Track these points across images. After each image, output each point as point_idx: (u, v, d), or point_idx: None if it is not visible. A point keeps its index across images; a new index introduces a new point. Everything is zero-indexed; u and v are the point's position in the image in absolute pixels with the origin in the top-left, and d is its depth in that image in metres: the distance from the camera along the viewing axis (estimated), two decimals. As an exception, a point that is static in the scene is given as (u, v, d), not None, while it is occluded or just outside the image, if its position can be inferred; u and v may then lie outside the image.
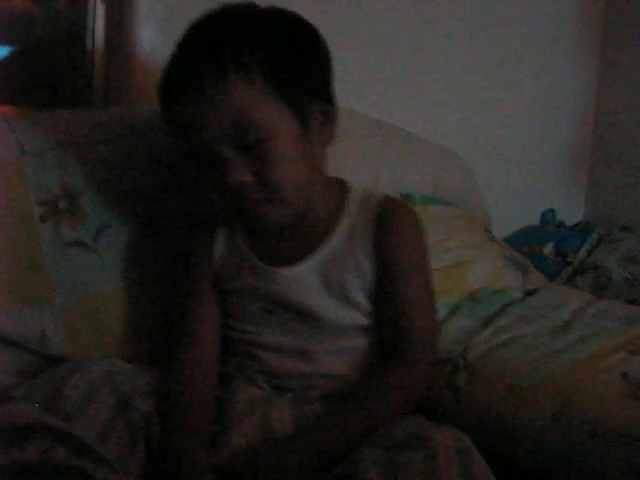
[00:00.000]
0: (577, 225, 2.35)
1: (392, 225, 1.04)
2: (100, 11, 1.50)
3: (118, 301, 1.16)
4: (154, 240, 1.20)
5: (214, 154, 0.96)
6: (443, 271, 1.33)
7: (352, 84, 1.76)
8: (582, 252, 2.06)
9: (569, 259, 2.03)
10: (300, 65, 0.99)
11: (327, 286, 1.04)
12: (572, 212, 2.46)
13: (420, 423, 0.95)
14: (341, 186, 1.10)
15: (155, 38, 1.46)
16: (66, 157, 1.17)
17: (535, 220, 2.33)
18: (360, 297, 1.04)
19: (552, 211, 2.35)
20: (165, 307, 1.17)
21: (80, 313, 1.12)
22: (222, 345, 1.09)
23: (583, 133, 2.51)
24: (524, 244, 2.05)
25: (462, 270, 1.36)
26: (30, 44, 1.50)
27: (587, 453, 0.96)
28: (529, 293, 1.37)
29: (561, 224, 2.32)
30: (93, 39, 1.51)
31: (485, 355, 1.16)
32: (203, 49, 0.96)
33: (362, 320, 1.05)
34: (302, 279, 1.04)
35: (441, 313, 1.26)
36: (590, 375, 1.07)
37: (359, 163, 1.50)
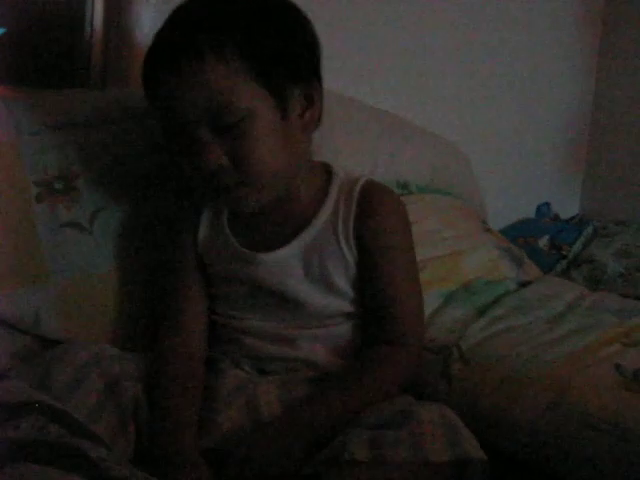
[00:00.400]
0: (572, 218, 2.36)
1: (373, 210, 1.03)
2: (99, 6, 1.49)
3: (113, 283, 1.15)
4: (149, 222, 1.19)
5: (192, 136, 0.96)
6: (438, 260, 1.33)
7: (351, 73, 1.75)
8: (577, 245, 2.06)
9: (564, 252, 2.04)
10: (281, 47, 0.98)
11: (309, 272, 1.04)
12: (568, 205, 2.46)
13: (406, 401, 0.95)
14: (325, 171, 1.09)
15: (154, 20, 1.45)
16: (63, 138, 1.16)
17: (531, 213, 2.33)
18: (343, 283, 1.04)
19: (548, 204, 2.35)
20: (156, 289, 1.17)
21: (74, 295, 1.12)
22: (209, 328, 1.09)
23: (580, 127, 2.51)
24: (520, 236, 2.05)
25: (457, 260, 1.36)
26: (28, 24, 1.49)
27: (580, 444, 0.97)
28: (524, 284, 1.38)
29: (556, 217, 2.32)
30: (92, 20, 1.50)
31: (479, 345, 1.16)
32: (182, 30, 0.96)
33: (345, 307, 1.05)
34: (283, 264, 1.03)
35: (436, 302, 1.27)
36: (584, 367, 1.07)
37: (356, 151, 1.50)
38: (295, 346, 1.04)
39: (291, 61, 0.99)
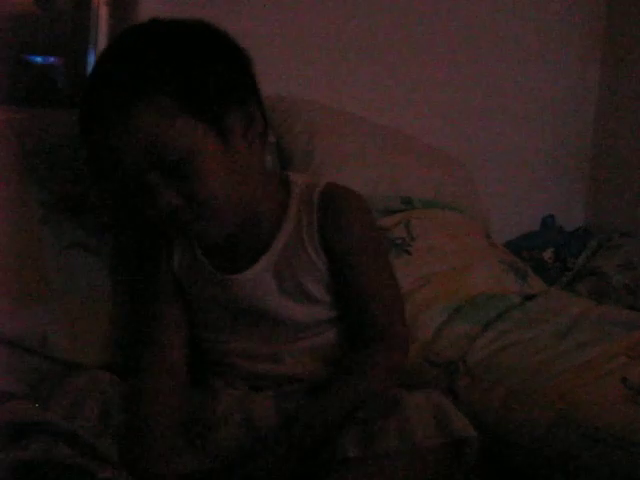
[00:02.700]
0: (577, 231, 2.35)
1: (334, 212, 1.03)
2: (103, 13, 1.51)
3: (119, 303, 1.16)
4: (154, 242, 1.19)
5: (138, 181, 0.93)
6: (443, 275, 1.33)
7: (353, 89, 1.77)
8: (582, 258, 2.06)
9: (569, 264, 2.03)
10: (210, 78, 0.95)
11: (282, 286, 1.03)
12: (572, 218, 2.46)
13: (395, 392, 0.95)
14: (283, 182, 1.07)
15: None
16: (68, 158, 1.17)
17: (535, 225, 2.33)
18: (318, 291, 1.04)
19: (552, 216, 2.35)
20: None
21: (81, 315, 1.12)
22: (191, 350, 1.08)
23: (583, 139, 2.51)
24: (524, 249, 2.05)
25: (462, 275, 1.36)
26: (33, 46, 1.51)
27: (587, 459, 0.97)
28: (528, 298, 1.37)
29: (561, 230, 2.32)
30: (96, 41, 1.51)
31: (485, 360, 1.16)
32: (105, 78, 0.94)
33: (325, 314, 1.05)
34: (256, 282, 1.03)
35: (441, 318, 1.27)
36: (590, 380, 1.07)
37: (360, 167, 1.51)
38: (283, 362, 1.05)
39: (224, 89, 0.96)
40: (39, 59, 1.52)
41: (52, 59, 1.54)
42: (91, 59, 1.52)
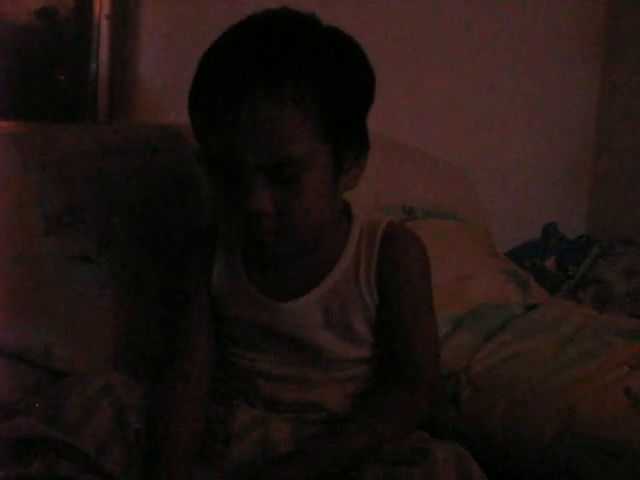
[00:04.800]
0: (579, 239, 2.35)
1: (396, 257, 1.00)
2: (104, 27, 1.51)
3: (121, 315, 1.16)
4: (156, 254, 1.20)
5: (243, 177, 0.89)
6: (445, 286, 1.33)
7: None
8: (584, 266, 2.06)
9: (571, 273, 2.04)
10: (353, 106, 0.93)
11: (329, 320, 1.00)
12: (574, 226, 2.46)
13: (422, 438, 0.95)
14: (345, 213, 1.04)
15: (159, 54, 1.48)
16: (70, 172, 1.17)
17: (537, 234, 2.33)
18: (363, 330, 1.01)
19: (554, 225, 2.35)
20: (164, 321, 1.16)
21: (84, 327, 1.12)
22: (221, 364, 1.07)
23: (584, 147, 2.51)
24: (526, 258, 2.05)
25: (463, 285, 1.36)
26: (35, 59, 1.51)
27: (591, 469, 0.97)
28: (530, 308, 1.38)
29: (562, 238, 2.32)
30: (97, 54, 1.51)
31: (488, 371, 1.16)
32: (259, 67, 0.87)
33: (365, 352, 1.03)
34: (303, 313, 1.00)
35: (443, 328, 1.26)
36: (593, 391, 1.07)
37: (362, 178, 1.50)
38: (310, 390, 1.01)
39: (357, 119, 0.95)
40: (40, 72, 1.52)
41: (52, 72, 1.54)
42: (92, 72, 1.53)
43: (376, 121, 1.70)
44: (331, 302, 1.00)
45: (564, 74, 2.39)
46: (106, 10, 1.51)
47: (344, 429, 0.95)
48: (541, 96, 2.32)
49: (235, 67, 0.88)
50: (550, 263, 2.08)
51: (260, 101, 0.85)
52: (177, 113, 1.15)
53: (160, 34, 1.51)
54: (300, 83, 0.87)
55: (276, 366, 1.02)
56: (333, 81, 0.90)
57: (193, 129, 0.95)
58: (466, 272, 1.39)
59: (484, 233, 1.67)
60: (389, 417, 0.97)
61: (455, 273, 1.38)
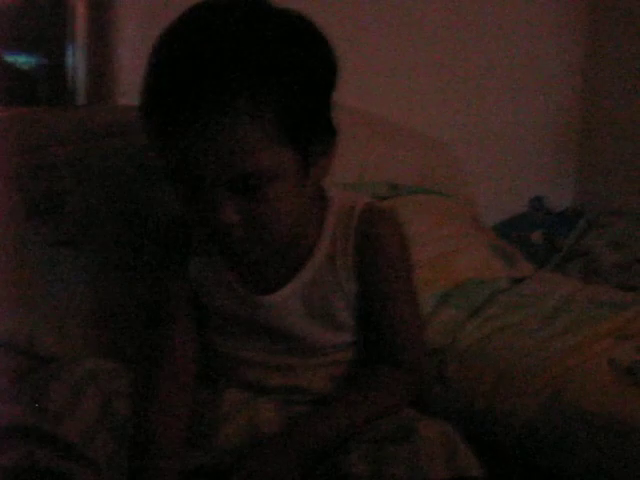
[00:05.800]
0: (566, 211, 2.36)
1: (374, 242, 0.98)
2: (82, 8, 1.49)
3: (104, 300, 1.15)
4: (138, 238, 1.19)
5: (204, 189, 0.86)
6: (430, 261, 1.33)
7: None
8: (571, 238, 2.06)
9: (558, 245, 2.04)
10: (314, 102, 0.89)
11: (310, 310, 0.99)
12: (561, 198, 2.46)
13: (408, 416, 0.95)
14: (320, 197, 1.01)
15: (138, 36, 1.46)
16: (50, 156, 1.17)
17: (523, 207, 2.33)
18: (345, 316, 1.01)
19: (540, 198, 2.35)
20: (148, 305, 1.14)
21: (67, 313, 1.12)
22: (205, 350, 1.05)
23: (571, 119, 2.51)
24: (513, 232, 2.05)
25: (449, 260, 1.36)
26: (11, 41, 1.50)
27: (577, 440, 0.97)
28: (517, 282, 1.38)
29: (549, 211, 2.32)
30: (74, 36, 1.50)
31: (474, 345, 1.16)
32: (210, 84, 0.82)
33: (348, 337, 1.03)
34: (284, 305, 0.99)
35: (429, 304, 1.26)
36: (579, 363, 1.08)
37: (345, 154, 1.49)
38: (295, 375, 1.01)
39: (320, 114, 0.91)
40: (17, 57, 1.51)
41: (30, 57, 1.52)
42: (69, 57, 1.51)
43: (359, 97, 1.70)
44: (311, 292, 0.99)
45: (548, 44, 2.39)
46: (83, -9, 1.49)
47: (330, 408, 0.95)
48: (526, 67, 2.31)
49: (186, 84, 0.82)
50: (537, 236, 2.08)
51: (214, 119, 0.81)
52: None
53: (140, 14, 1.49)
54: (255, 97, 0.82)
55: (260, 354, 1.02)
56: (290, 85, 0.85)
57: (148, 140, 0.90)
58: (452, 247, 1.39)
59: (470, 208, 1.67)
60: (374, 395, 0.97)
61: (441, 248, 1.38)
